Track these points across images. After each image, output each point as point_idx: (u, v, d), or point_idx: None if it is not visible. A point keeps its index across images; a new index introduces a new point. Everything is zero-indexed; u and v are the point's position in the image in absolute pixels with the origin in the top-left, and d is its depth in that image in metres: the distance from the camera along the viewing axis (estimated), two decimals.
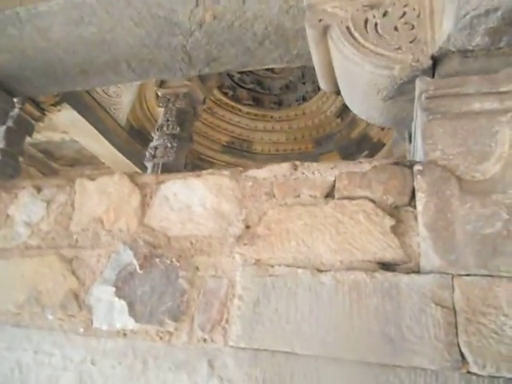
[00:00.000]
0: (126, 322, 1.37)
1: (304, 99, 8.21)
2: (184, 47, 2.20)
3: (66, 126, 6.61)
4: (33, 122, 5.76)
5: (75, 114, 6.17)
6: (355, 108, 1.90)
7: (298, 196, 1.36)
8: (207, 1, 1.92)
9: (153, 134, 5.65)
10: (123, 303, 1.39)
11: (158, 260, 1.41)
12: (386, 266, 1.22)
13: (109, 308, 1.42)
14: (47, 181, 1.74)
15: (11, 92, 2.80)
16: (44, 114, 5.88)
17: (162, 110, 5.48)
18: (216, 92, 8.12)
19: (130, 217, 1.52)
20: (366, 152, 7.14)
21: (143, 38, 2.18)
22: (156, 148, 5.08)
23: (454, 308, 1.07)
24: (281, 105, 8.48)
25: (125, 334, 1.37)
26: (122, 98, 6.81)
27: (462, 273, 1.11)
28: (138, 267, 1.42)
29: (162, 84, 5.52)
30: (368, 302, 1.14)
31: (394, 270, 1.19)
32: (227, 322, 1.27)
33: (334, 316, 1.16)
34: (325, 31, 1.70)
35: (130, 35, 2.18)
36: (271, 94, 8.51)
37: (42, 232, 1.64)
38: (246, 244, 1.33)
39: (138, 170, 6.90)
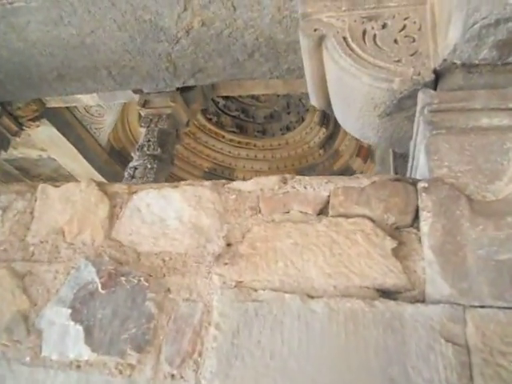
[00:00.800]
0: (81, 351, 1.17)
1: (288, 129, 8.22)
2: (169, 55, 2.08)
3: (44, 143, 6.41)
4: (9, 136, 5.54)
5: (54, 130, 5.99)
6: (349, 126, 1.78)
7: (288, 212, 1.21)
8: (196, 5, 1.81)
9: (132, 154, 5.47)
10: (79, 328, 1.19)
11: (123, 279, 1.22)
12: (386, 294, 1.06)
13: (62, 333, 1.21)
14: (6, 186, 1.55)
15: None
16: (22, 129, 5.67)
17: (144, 130, 5.32)
18: (200, 117, 8.07)
19: (96, 229, 1.34)
20: None
21: (126, 42, 2.06)
22: (135, 168, 4.89)
23: (467, 345, 0.92)
24: (264, 133, 8.46)
25: (78, 366, 1.16)
26: (105, 118, 6.67)
27: (476, 304, 0.96)
28: (99, 286, 1.23)
29: (145, 104, 5.38)
30: (367, 335, 0.98)
31: (395, 299, 1.04)
32: (200, 355, 1.08)
33: (326, 351, 0.98)
34: (320, 41, 1.60)
35: (112, 39, 2.05)
36: (255, 123, 8.50)
37: None
38: (226, 264, 1.16)
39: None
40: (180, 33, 1.93)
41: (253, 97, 8.35)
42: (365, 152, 7.24)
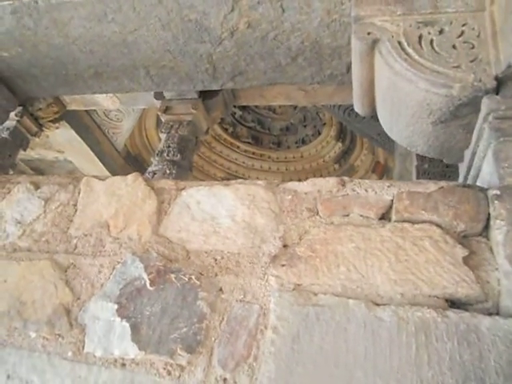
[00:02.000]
0: (127, 348, 1.12)
1: (303, 142, 8.20)
2: (210, 56, 2.06)
3: (62, 145, 6.43)
4: (29, 136, 5.57)
5: (73, 133, 6.02)
6: (396, 133, 1.74)
7: (347, 215, 1.16)
8: (244, 6, 1.79)
9: (152, 159, 5.46)
10: (126, 325, 1.14)
11: (173, 276, 1.17)
12: (456, 305, 1.00)
13: (107, 329, 1.16)
14: (47, 178, 1.52)
15: (14, 89, 2.61)
16: (41, 130, 5.71)
17: (164, 135, 5.32)
18: (216, 127, 8.08)
19: (143, 224, 1.30)
20: None
21: (168, 42, 2.03)
22: (154, 173, 4.87)
23: None
24: (280, 146, 8.44)
25: (124, 364, 1.11)
26: (123, 123, 6.69)
27: None
28: (148, 283, 1.18)
29: (166, 110, 5.39)
30: (440, 348, 0.92)
31: (465, 310, 0.98)
32: (256, 359, 1.02)
33: (396, 362, 0.93)
34: (373, 45, 1.56)
35: (155, 38, 2.03)
36: (271, 134, 8.49)
37: (35, 233, 1.40)
38: (283, 265, 1.11)
39: None
40: (224, 34, 1.91)
41: (269, 108, 8.37)
42: (380, 168, 7.20)
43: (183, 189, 1.34)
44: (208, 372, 1.04)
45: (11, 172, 5.78)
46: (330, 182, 1.22)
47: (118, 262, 1.25)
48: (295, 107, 7.87)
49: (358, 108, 1.86)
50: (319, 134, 7.87)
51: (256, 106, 8.03)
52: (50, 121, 5.77)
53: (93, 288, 1.24)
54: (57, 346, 1.19)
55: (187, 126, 5.33)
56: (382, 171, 7.15)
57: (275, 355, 1.00)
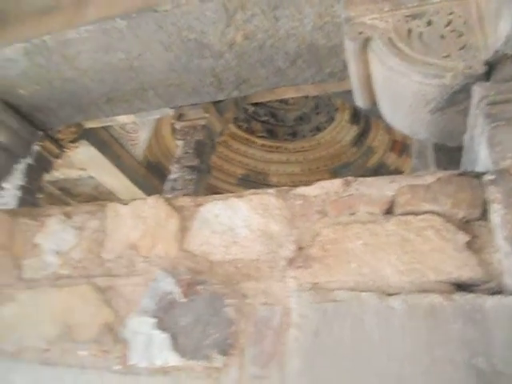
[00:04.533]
0: (167, 357, 1.24)
1: (318, 130, 8.20)
2: (213, 70, 2.15)
3: (84, 163, 6.64)
4: (51, 159, 5.80)
5: (93, 150, 6.21)
6: (397, 123, 1.80)
7: (354, 214, 1.24)
8: (239, 20, 1.88)
9: (171, 167, 5.61)
10: (165, 336, 1.26)
11: (201, 287, 1.28)
12: (462, 288, 1.08)
13: (147, 342, 1.29)
14: (78, 207, 1.65)
15: (35, 123, 2.77)
16: (62, 151, 5.92)
17: (180, 142, 5.45)
18: (230, 125, 8.16)
19: (169, 242, 1.41)
20: None
21: (172, 62, 2.14)
22: (175, 180, 5.02)
23: None
24: (295, 136, 8.47)
25: (167, 372, 1.23)
26: (139, 134, 6.86)
27: None
28: (180, 296, 1.30)
29: (180, 117, 5.52)
30: (448, 329, 1.00)
31: (472, 292, 1.06)
32: (283, 355, 1.13)
33: (409, 346, 1.02)
34: (365, 44, 1.63)
35: (159, 60, 2.14)
36: (285, 126, 8.53)
37: (73, 261, 1.53)
38: (299, 267, 1.21)
39: None
40: (224, 48, 2.00)
41: (281, 101, 8.39)
42: (399, 146, 7.16)
43: (201, 205, 1.44)
44: (242, 371, 1.15)
45: (40, 195, 6.03)
46: (335, 184, 1.30)
47: (150, 280, 1.37)
48: (306, 96, 7.87)
49: (359, 102, 1.93)
50: (333, 119, 7.87)
51: (268, 100, 8.07)
52: (69, 141, 5.98)
53: (130, 305, 1.36)
54: (105, 361, 1.32)
55: (202, 130, 5.45)
56: (400, 149, 7.12)
57: (299, 350, 1.10)
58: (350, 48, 1.67)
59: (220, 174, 8.35)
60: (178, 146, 5.48)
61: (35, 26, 2.26)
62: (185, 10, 1.84)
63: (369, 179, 1.28)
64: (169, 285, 1.33)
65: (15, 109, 2.62)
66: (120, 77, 2.28)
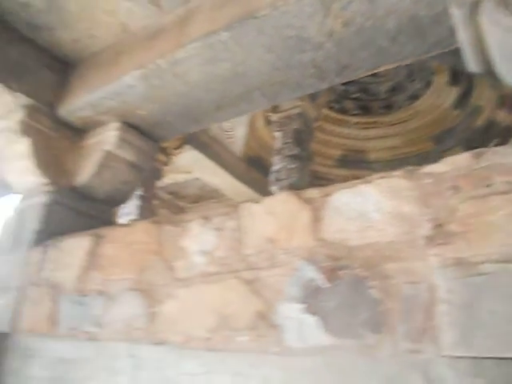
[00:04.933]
0: (320, 338, 1.34)
1: (415, 97, 7.81)
2: (314, 61, 2.21)
3: (189, 166, 7.08)
4: (161, 167, 6.30)
5: (195, 153, 6.60)
6: None
7: (490, 185, 1.23)
8: (336, 9, 1.91)
9: (273, 159, 5.78)
10: (315, 319, 1.37)
11: (342, 272, 1.37)
12: None
13: (299, 325, 1.41)
14: (213, 210, 1.83)
15: (154, 138, 3.06)
16: (169, 158, 6.40)
17: (278, 133, 5.58)
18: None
19: (304, 233, 1.52)
20: (496, 140, 6.51)
21: (274, 62, 2.24)
22: (279, 171, 5.17)
23: None
24: (390, 108, 8.16)
25: (321, 351, 1.34)
26: (235, 131, 7.14)
27: None
28: (323, 282, 1.39)
29: (274, 109, 5.65)
30: None
31: None
32: (435, 329, 1.17)
33: None
34: (475, 7, 1.57)
35: (261, 62, 2.26)
36: (378, 99, 8.25)
37: (217, 258, 1.71)
38: (440, 244, 1.23)
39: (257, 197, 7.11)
40: (323, 38, 2.04)
41: (372, 74, 8.08)
42: (510, 102, 6.56)
43: (328, 195, 1.52)
44: (395, 346, 1.22)
45: (155, 202, 6.57)
46: (464, 158, 1.29)
47: (292, 269, 1.49)
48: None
49: (474, 66, 1.85)
50: (430, 84, 7.44)
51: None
52: (174, 148, 6.44)
53: (277, 294, 1.50)
54: (262, 345, 1.47)
55: (298, 118, 5.52)
56: (511, 104, 6.52)
57: (451, 324, 1.14)
58: (458, 14, 1.62)
59: (318, 158, 8.35)
60: (276, 138, 5.62)
61: (146, 51, 2.50)
62: (283, 11, 1.92)
63: (500, 148, 1.25)
64: (311, 272, 1.43)
65: (136, 128, 2.92)
66: (227, 84, 2.44)
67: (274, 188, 5.11)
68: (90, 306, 2.12)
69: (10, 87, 2.76)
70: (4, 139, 3.02)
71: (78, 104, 2.82)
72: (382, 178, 1.41)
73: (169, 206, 9.00)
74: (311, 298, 1.41)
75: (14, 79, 2.80)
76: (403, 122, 8.10)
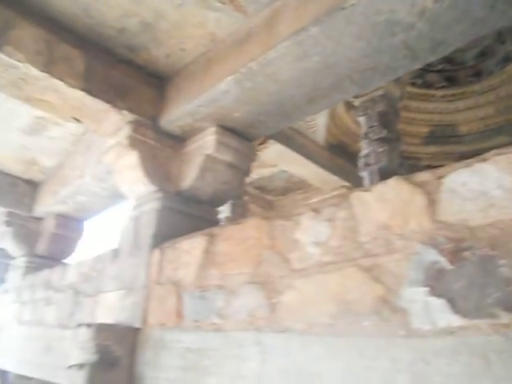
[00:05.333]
0: (449, 319, 1.36)
1: (507, 60, 7.21)
2: (405, 42, 2.18)
3: (274, 160, 7.21)
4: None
5: (279, 146, 6.70)
6: None
7: None
8: None
9: (356, 145, 5.70)
10: (441, 301, 1.38)
11: (467, 253, 1.37)
12: None
13: (425, 308, 1.43)
14: (322, 202, 1.89)
15: (248, 137, 3.19)
16: (256, 155, 6.56)
17: (362, 118, 5.49)
18: None
19: (420, 217, 1.53)
20: None
21: (363, 49, 2.24)
22: (367, 156, 5.10)
23: None
24: (480, 75, 7.62)
25: (451, 332, 1.35)
26: (317, 121, 7.13)
27: None
28: (446, 263, 1.40)
29: (356, 94, 5.56)
30: None
31: None
32: None
33: None
34: None
35: (351, 51, 2.27)
36: (465, 68, 7.74)
37: (332, 248, 1.77)
38: None
39: (346, 184, 7.07)
40: (414, 18, 2.01)
41: None
42: None
43: (442, 176, 1.51)
44: None
45: (245, 197, 6.79)
46: None
47: (411, 254, 1.51)
48: None
49: None
50: None
51: None
52: (259, 144, 6.60)
53: (398, 279, 1.53)
54: (388, 329, 1.52)
55: (381, 100, 5.40)
56: None
57: None
58: None
59: (404, 137, 8.07)
60: (361, 122, 5.53)
61: (237, 56, 2.62)
62: None
63: None
64: (432, 255, 1.44)
65: (232, 130, 3.08)
66: (317, 77, 2.49)
67: (363, 173, 5.06)
68: (211, 300, 2.30)
69: (116, 106, 3.06)
70: (114, 154, 3.35)
71: (176, 114, 3.04)
72: (498, 154, 1.38)
73: (257, 201, 9.23)
74: (435, 281, 1.42)
75: (119, 98, 3.09)
76: (495, 89, 7.56)
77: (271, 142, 6.56)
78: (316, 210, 1.89)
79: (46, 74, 2.82)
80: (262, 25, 2.50)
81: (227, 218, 6.70)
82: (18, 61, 2.72)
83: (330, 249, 1.79)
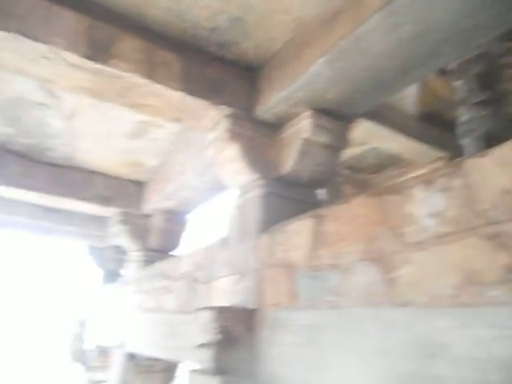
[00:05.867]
0: None
1: None
2: None
3: (362, 138, 7.04)
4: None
5: (366, 123, 6.52)
6: None
7: None
8: None
9: (453, 111, 5.37)
10: None
11: None
12: None
13: None
14: (433, 173, 1.86)
15: (343, 117, 3.19)
16: (349, 134, 6.47)
17: (458, 82, 5.15)
18: None
19: None
20: None
21: (460, 9, 2.14)
22: (468, 122, 4.80)
23: None
24: None
25: None
26: (406, 92, 6.81)
27: None
28: None
29: None
30: None
31: None
32: None
33: None
34: None
35: (446, 14, 2.17)
36: None
37: (450, 219, 1.74)
38: None
39: (440, 155, 6.68)
40: None
41: None
42: None
43: None
44: None
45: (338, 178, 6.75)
46: None
47: None
48: None
49: None
50: None
51: None
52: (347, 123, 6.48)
53: None
54: None
55: (479, 60, 5.03)
56: None
57: None
58: None
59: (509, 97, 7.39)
60: (457, 87, 5.20)
61: (325, 37, 2.62)
62: None
63: None
64: None
65: (326, 112, 3.09)
66: (411, 46, 2.42)
67: (464, 141, 4.77)
68: (325, 279, 2.37)
69: (214, 102, 3.22)
70: (215, 148, 3.54)
71: (271, 103, 3.12)
72: None
73: (349, 181, 9.12)
74: None
75: (216, 94, 3.25)
76: None
77: (359, 119, 6.42)
78: (427, 182, 1.86)
79: (148, 81, 3.05)
80: (349, 1, 2.47)
81: (324, 201, 6.73)
82: (123, 71, 2.98)
83: (447, 219, 1.76)
